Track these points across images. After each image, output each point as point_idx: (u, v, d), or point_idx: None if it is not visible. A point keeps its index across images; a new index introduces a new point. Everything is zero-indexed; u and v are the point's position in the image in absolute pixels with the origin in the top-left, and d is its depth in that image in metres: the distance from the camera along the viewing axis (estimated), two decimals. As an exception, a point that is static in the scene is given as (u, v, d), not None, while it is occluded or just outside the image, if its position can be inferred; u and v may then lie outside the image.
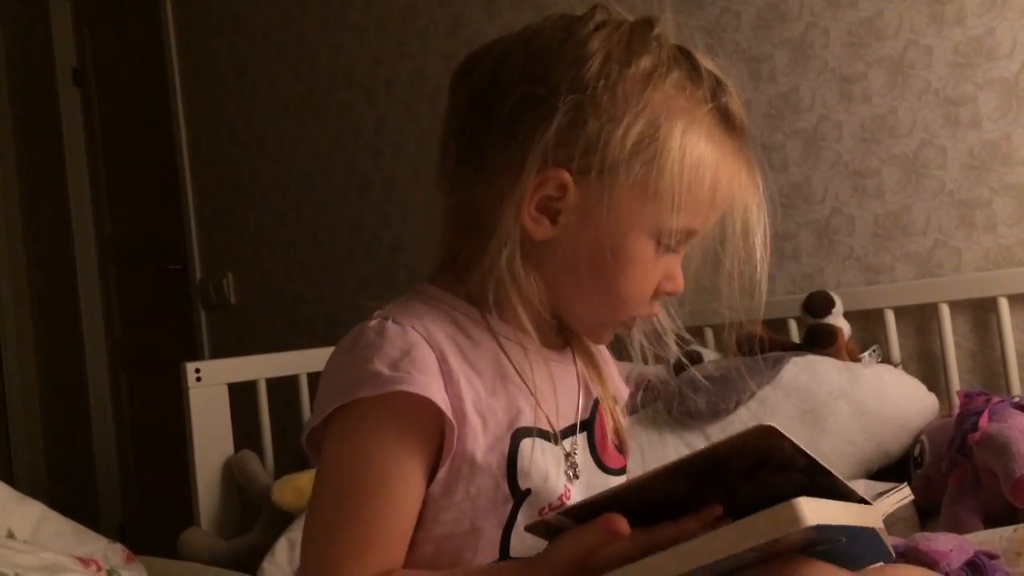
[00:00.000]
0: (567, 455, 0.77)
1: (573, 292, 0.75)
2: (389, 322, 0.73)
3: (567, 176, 0.71)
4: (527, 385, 0.74)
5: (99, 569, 1.20)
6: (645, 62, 0.72)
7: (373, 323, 0.73)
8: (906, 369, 1.64)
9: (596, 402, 0.82)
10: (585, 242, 0.73)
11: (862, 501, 0.67)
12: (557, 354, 0.80)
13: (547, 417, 0.75)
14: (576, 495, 0.76)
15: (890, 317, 1.69)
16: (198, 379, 1.85)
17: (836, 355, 1.58)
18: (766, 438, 0.60)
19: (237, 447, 1.91)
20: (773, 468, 0.63)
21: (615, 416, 0.83)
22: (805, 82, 1.80)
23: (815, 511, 0.58)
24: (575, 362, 0.82)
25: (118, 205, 3.45)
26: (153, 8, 3.07)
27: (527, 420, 0.73)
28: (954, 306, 1.65)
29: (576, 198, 0.72)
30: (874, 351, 1.66)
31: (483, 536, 0.72)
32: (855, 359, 1.60)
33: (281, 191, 2.76)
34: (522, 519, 0.73)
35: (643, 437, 1.52)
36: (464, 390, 0.71)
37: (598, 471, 0.79)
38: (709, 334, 1.89)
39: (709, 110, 0.74)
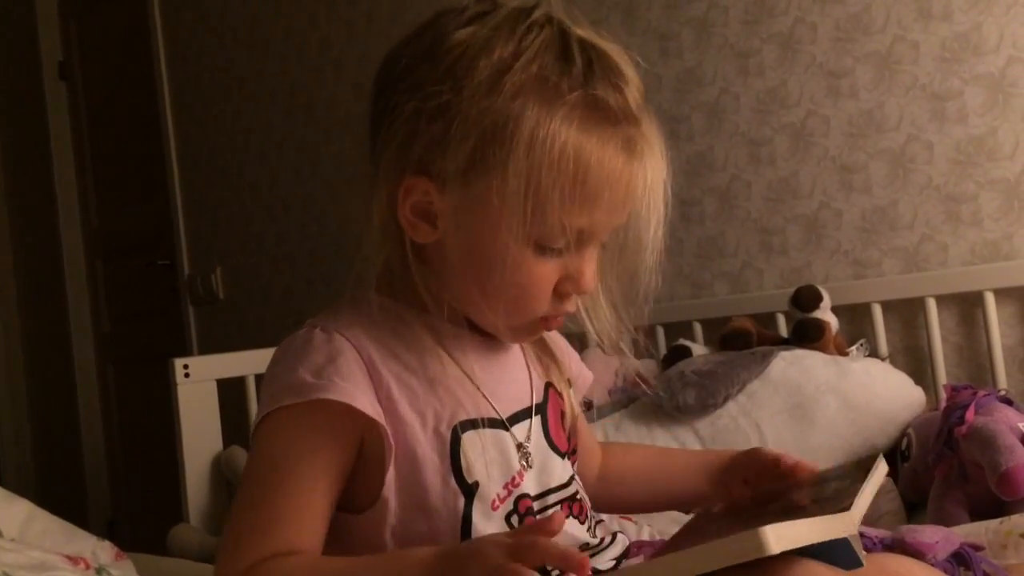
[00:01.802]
0: (519, 445, 0.77)
1: (468, 294, 0.74)
2: (317, 330, 0.74)
3: (427, 183, 0.71)
4: (468, 376, 0.74)
5: (88, 567, 1.20)
6: (500, 55, 0.69)
7: (302, 332, 0.75)
8: (893, 363, 1.64)
9: (547, 385, 0.83)
10: (464, 244, 0.72)
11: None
12: (498, 342, 0.80)
13: (492, 405, 0.75)
14: (529, 481, 0.77)
15: (877, 311, 1.70)
16: (186, 375, 1.84)
17: (824, 349, 1.58)
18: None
19: (226, 443, 1.90)
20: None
21: (568, 399, 0.84)
22: (793, 77, 1.80)
23: (781, 537, 0.57)
24: (521, 348, 0.82)
25: (105, 200, 3.43)
26: (140, 1, 3.05)
27: (470, 411, 0.74)
28: (941, 300, 1.65)
29: (443, 203, 0.71)
30: (862, 345, 1.67)
31: (440, 535, 0.73)
32: (843, 353, 1.61)
33: (269, 185, 2.75)
34: (476, 513, 0.73)
35: (632, 431, 1.53)
36: (396, 392, 0.72)
37: (551, 453, 0.80)
38: (698, 328, 1.89)
39: (572, 101, 0.69)
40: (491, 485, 0.74)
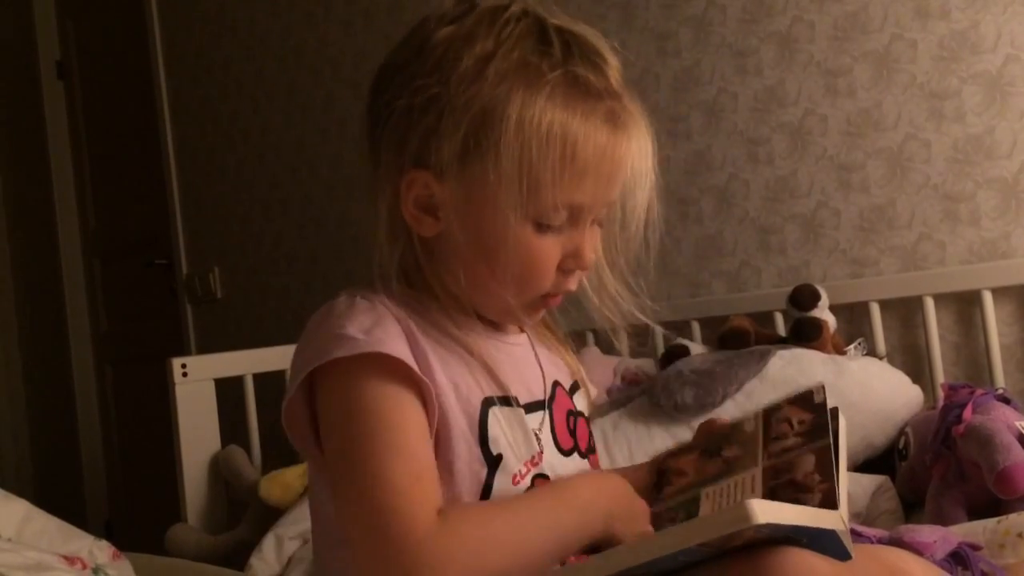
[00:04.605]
0: (534, 434, 0.79)
1: (475, 280, 0.77)
2: (358, 298, 0.77)
3: (426, 175, 0.74)
4: (486, 362, 0.77)
5: (85, 567, 1.20)
6: (482, 46, 0.73)
7: (343, 298, 0.78)
8: (891, 362, 1.64)
9: (555, 384, 0.85)
10: (467, 233, 0.75)
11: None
12: (512, 335, 0.83)
13: (508, 389, 0.78)
14: (544, 464, 0.79)
15: (875, 310, 1.70)
16: (184, 375, 1.84)
17: (822, 348, 1.58)
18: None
19: (224, 442, 1.90)
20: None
21: (574, 400, 0.86)
22: (791, 76, 1.80)
23: (766, 511, 0.59)
24: (532, 344, 0.85)
25: (103, 199, 3.42)
26: (137, 0, 3.05)
27: (491, 391, 0.77)
28: (938, 299, 1.65)
29: (442, 194, 0.75)
30: (859, 344, 1.67)
31: (462, 500, 0.74)
32: (840, 352, 1.61)
33: (267, 185, 2.75)
34: (497, 485, 0.75)
35: (630, 430, 1.52)
36: (432, 360, 0.74)
37: (555, 451, 0.82)
38: (696, 327, 1.89)
39: (554, 80, 0.72)
40: (514, 460, 0.76)
